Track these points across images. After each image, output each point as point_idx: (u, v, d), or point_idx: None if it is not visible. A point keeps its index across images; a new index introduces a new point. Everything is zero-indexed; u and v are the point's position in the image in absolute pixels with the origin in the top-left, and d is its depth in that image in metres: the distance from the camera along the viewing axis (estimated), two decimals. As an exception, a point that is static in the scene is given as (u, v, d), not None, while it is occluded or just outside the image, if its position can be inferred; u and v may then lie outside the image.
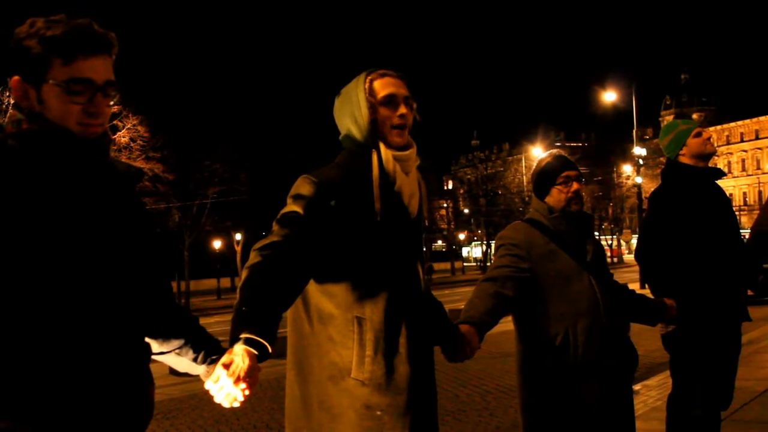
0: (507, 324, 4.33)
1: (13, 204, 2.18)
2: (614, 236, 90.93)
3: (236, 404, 2.68)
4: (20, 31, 2.36)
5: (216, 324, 31.70)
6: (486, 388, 11.12)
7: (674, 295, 4.70)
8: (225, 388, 2.63)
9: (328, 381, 3.01)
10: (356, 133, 3.16)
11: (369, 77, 3.18)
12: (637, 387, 9.61)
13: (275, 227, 2.96)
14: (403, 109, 3.15)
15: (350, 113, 3.18)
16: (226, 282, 71.34)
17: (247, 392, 2.65)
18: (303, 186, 3.03)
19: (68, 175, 2.31)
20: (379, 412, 2.96)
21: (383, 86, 3.16)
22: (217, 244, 61.86)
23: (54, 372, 2.19)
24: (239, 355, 2.63)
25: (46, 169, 2.27)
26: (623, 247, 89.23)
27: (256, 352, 2.65)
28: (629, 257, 74.73)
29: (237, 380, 2.61)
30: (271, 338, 2.70)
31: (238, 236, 59.12)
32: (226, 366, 2.63)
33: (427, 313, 3.27)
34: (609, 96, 49.65)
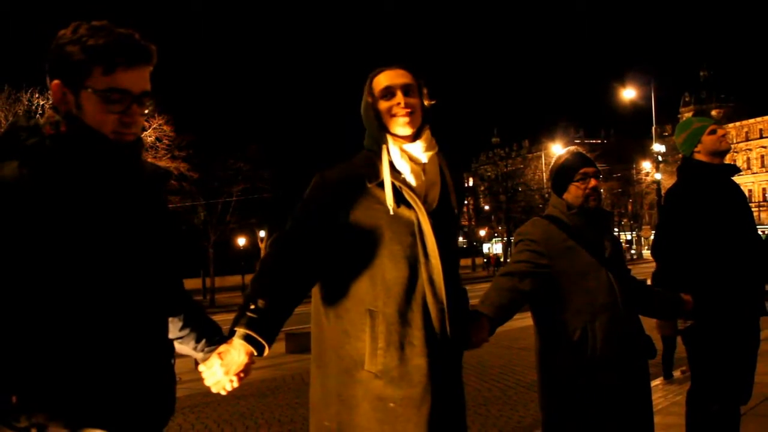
0: (528, 319, 4.37)
1: (49, 204, 2.24)
2: (633, 232, 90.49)
3: (223, 392, 2.90)
4: (63, 35, 2.39)
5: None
6: (507, 383, 11.15)
7: (691, 291, 4.70)
8: (215, 375, 2.85)
9: (344, 373, 3.07)
10: (368, 132, 3.28)
11: (370, 76, 3.29)
12: (656, 382, 9.63)
13: (288, 223, 3.12)
14: (399, 98, 3.19)
15: (362, 114, 3.31)
16: (250, 278, 71.08)
17: (235, 384, 2.87)
18: (313, 182, 3.19)
19: (101, 177, 2.37)
20: (392, 404, 2.99)
21: (380, 80, 3.26)
22: (241, 241, 61.78)
23: (83, 368, 2.27)
24: (236, 349, 2.83)
25: (81, 171, 2.33)
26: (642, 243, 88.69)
27: (253, 350, 2.85)
28: (647, 253, 74.19)
29: (228, 372, 2.82)
30: (271, 338, 2.89)
31: (262, 233, 59.02)
32: (221, 356, 2.84)
33: (456, 303, 3.25)
34: (628, 93, 49.47)
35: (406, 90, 3.22)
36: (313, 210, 3.10)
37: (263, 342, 2.85)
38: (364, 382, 3.03)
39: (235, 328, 2.86)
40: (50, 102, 2.46)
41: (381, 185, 3.11)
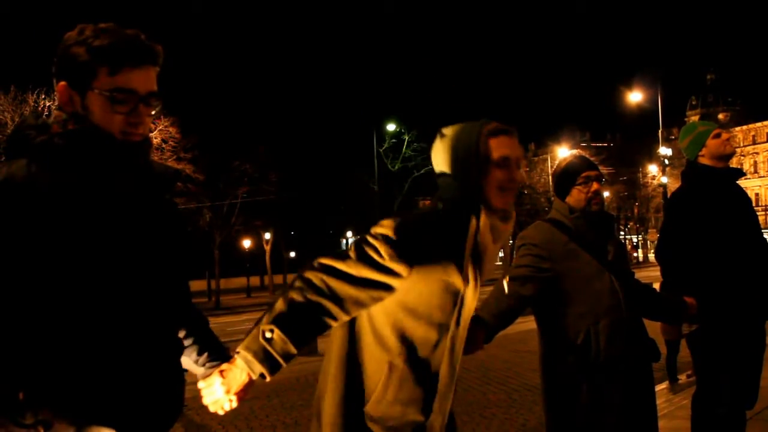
0: (532, 322, 4.36)
1: (58, 201, 2.26)
2: (639, 236, 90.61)
3: (220, 412, 2.80)
4: (69, 37, 2.41)
5: (246, 322, 31.57)
6: (512, 386, 11.13)
7: (695, 295, 4.70)
8: (215, 394, 2.75)
9: (343, 397, 2.93)
10: (459, 187, 2.93)
11: (485, 131, 2.95)
12: (662, 386, 9.63)
13: (348, 257, 2.80)
14: (515, 173, 2.95)
15: (457, 163, 2.95)
16: (255, 280, 71.77)
17: (234, 404, 2.78)
18: (385, 230, 2.83)
19: (108, 174, 2.38)
20: None
21: (500, 145, 2.94)
22: (246, 243, 62.12)
23: (90, 365, 2.28)
24: (239, 369, 2.71)
25: (89, 169, 2.35)
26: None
27: (255, 378, 2.71)
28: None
29: (228, 391, 2.73)
30: (275, 371, 2.72)
31: (267, 235, 59.33)
32: (223, 374, 2.74)
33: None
34: (635, 96, 49.59)
35: (519, 164, 2.98)
36: (375, 264, 2.76)
37: (266, 373, 2.70)
38: (359, 417, 2.91)
39: (242, 351, 2.72)
40: (56, 103, 2.48)
41: (453, 253, 2.85)
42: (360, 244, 2.82)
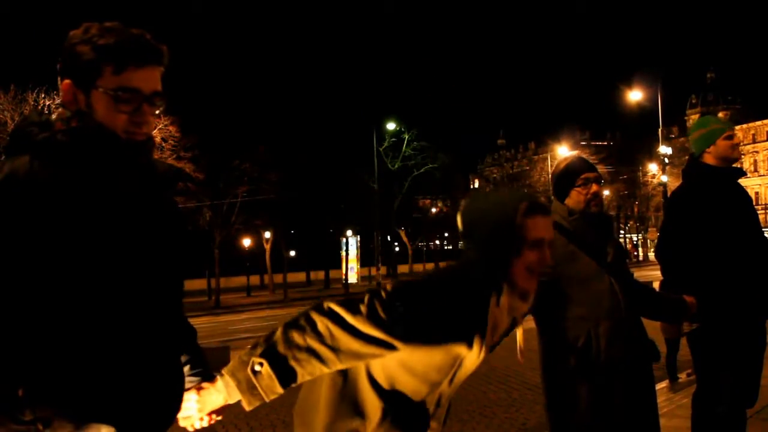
0: (532, 321, 4.36)
1: (60, 197, 2.25)
2: (639, 234, 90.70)
3: (190, 429, 2.79)
4: (74, 35, 2.41)
5: (246, 321, 31.63)
6: (512, 385, 11.17)
7: (695, 293, 4.67)
8: (188, 410, 2.73)
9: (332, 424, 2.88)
10: (484, 261, 2.82)
11: (522, 209, 2.84)
12: (661, 385, 9.62)
13: (359, 311, 2.68)
14: (546, 255, 2.86)
15: (487, 236, 2.85)
16: (255, 279, 71.86)
17: (204, 423, 2.78)
18: (400, 293, 2.73)
19: (112, 172, 2.38)
20: None
21: (536, 226, 2.84)
22: (246, 242, 62.22)
23: (90, 363, 2.27)
24: (218, 390, 2.68)
25: (92, 166, 2.34)
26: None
27: (231, 403, 2.69)
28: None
29: (201, 410, 2.72)
30: (257, 403, 2.67)
31: (267, 234, 59.36)
32: (200, 392, 2.73)
33: None
34: (635, 95, 49.79)
35: (550, 246, 2.90)
36: (382, 325, 2.65)
37: (245, 403, 2.67)
38: None
39: (226, 375, 2.68)
40: (57, 102, 2.49)
41: (466, 326, 2.74)
42: (373, 301, 2.70)
